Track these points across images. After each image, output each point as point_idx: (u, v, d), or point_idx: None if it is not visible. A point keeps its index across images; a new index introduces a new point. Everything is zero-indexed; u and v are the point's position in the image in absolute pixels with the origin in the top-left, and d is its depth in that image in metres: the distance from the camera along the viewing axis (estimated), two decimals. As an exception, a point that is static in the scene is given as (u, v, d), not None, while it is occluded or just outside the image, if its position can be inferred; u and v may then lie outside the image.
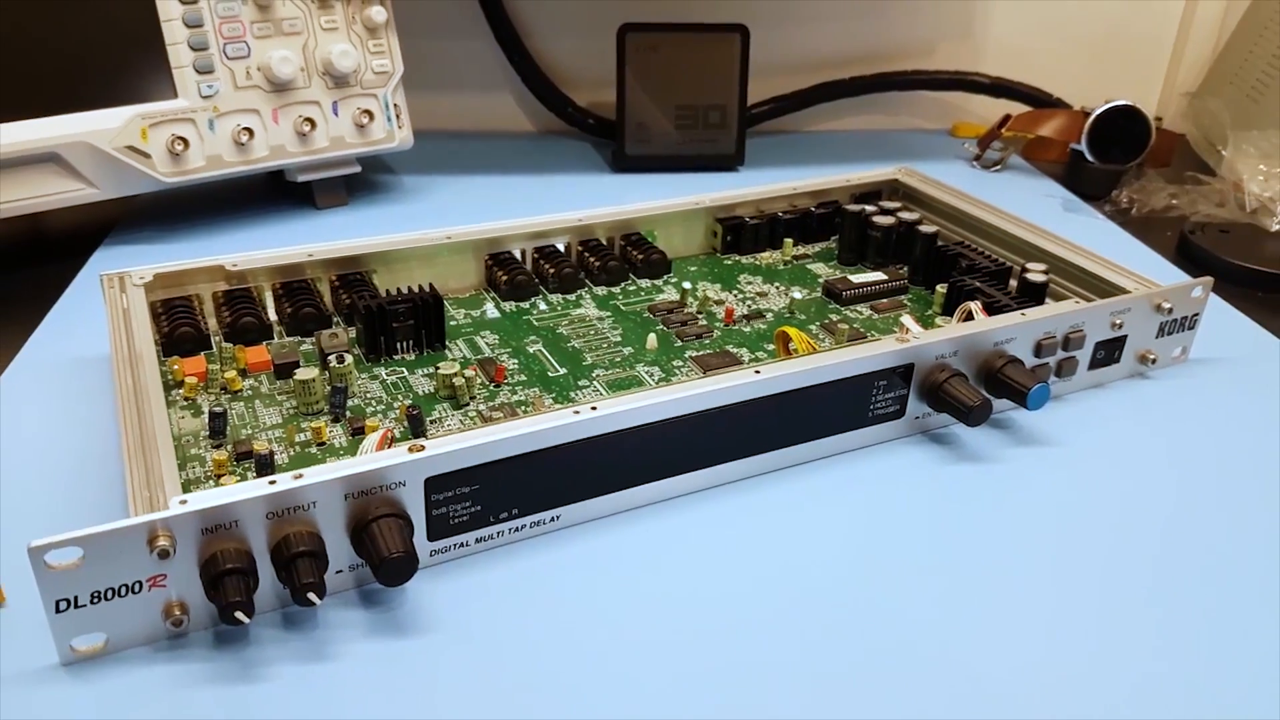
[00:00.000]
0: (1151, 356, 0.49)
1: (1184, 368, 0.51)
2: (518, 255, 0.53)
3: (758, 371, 0.39)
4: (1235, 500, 0.40)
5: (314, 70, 0.62)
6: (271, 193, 0.69)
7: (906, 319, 0.46)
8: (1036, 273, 0.50)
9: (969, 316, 0.45)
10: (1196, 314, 0.50)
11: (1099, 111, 0.74)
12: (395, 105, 0.65)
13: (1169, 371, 0.50)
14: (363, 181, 0.72)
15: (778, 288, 0.55)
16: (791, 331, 0.44)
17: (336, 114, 0.63)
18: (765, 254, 0.59)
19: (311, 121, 0.62)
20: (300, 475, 0.32)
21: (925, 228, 0.56)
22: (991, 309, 0.47)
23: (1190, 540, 0.38)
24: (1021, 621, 0.34)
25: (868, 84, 0.85)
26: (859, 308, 0.53)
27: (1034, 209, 0.71)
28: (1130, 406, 0.47)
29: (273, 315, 0.48)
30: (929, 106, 0.91)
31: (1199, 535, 0.38)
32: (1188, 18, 0.91)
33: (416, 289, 0.47)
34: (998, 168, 0.80)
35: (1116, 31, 0.90)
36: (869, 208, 0.58)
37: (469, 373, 0.43)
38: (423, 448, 0.33)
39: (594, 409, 0.36)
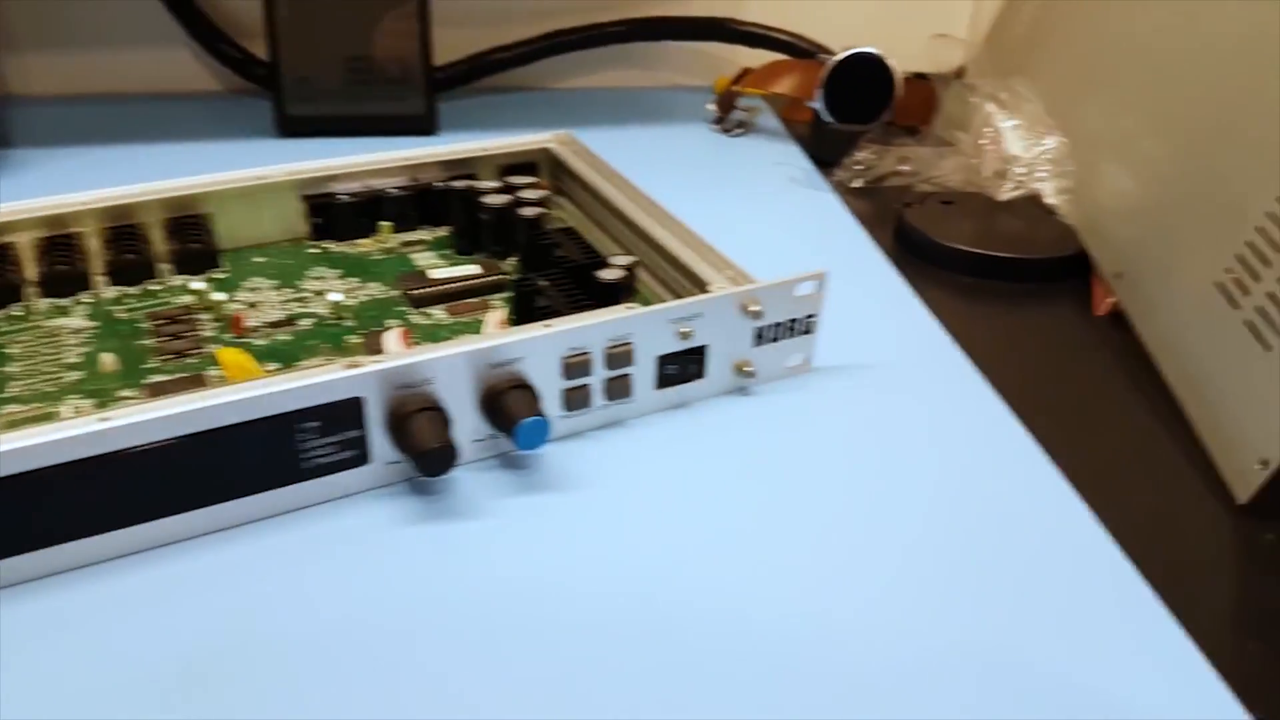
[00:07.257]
0: (748, 369, 0.40)
1: (803, 379, 0.42)
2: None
3: (104, 419, 0.30)
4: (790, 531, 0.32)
5: None
6: None
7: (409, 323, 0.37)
8: (615, 268, 0.41)
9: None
10: (812, 315, 0.41)
11: (834, 61, 0.64)
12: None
13: (782, 385, 0.41)
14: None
15: (356, 285, 0.46)
16: (226, 355, 0.35)
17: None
18: (366, 240, 0.50)
19: None
20: None
21: (526, 211, 0.46)
22: (549, 314, 0.38)
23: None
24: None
25: (606, 35, 0.74)
26: (433, 311, 0.44)
27: (756, 180, 0.62)
28: (700, 430, 0.38)
29: None
30: (692, 61, 0.81)
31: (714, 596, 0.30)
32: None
33: None
34: (739, 131, 0.71)
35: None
36: (483, 184, 0.49)
37: None
38: None
39: None
